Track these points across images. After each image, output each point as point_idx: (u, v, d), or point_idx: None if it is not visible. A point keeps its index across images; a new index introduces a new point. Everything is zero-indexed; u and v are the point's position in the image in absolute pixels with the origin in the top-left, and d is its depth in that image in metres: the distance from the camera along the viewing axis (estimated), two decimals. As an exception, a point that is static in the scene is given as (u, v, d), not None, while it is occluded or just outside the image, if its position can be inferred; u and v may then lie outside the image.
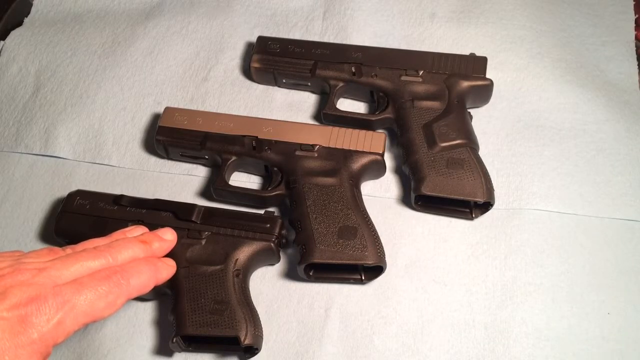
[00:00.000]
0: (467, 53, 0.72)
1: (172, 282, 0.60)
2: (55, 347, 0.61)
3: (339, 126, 0.68)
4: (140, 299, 0.63)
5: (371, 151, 0.66)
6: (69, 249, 0.52)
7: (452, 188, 0.63)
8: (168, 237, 0.59)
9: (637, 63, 0.75)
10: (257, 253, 0.61)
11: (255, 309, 0.59)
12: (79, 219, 0.64)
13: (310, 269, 0.61)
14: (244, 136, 0.68)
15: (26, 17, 0.85)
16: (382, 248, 0.61)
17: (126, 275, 0.50)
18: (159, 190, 0.70)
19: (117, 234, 0.57)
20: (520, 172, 0.68)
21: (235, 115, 0.70)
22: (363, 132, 0.67)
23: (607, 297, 0.61)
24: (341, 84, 0.72)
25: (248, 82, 0.77)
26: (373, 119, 0.70)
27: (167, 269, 0.57)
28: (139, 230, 0.59)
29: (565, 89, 0.73)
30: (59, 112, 0.76)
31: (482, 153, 0.67)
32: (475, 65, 0.70)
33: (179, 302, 0.58)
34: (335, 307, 0.62)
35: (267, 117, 0.70)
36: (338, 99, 0.72)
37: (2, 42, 0.82)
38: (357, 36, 0.78)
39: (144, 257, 0.55)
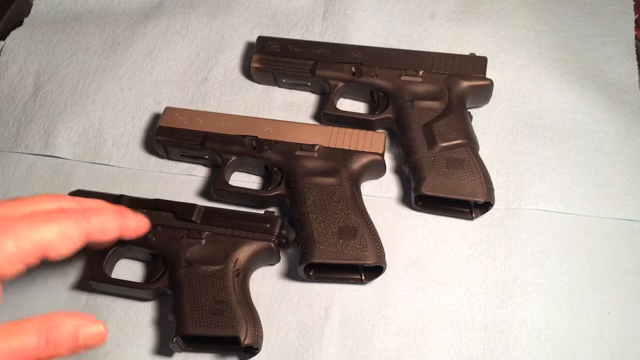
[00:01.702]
0: (467, 53, 0.72)
1: (172, 282, 0.60)
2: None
3: (339, 126, 0.68)
4: (141, 299, 0.63)
5: (371, 151, 0.66)
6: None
7: (452, 188, 0.63)
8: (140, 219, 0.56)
9: (637, 63, 0.75)
10: (257, 253, 0.61)
11: (255, 309, 0.59)
12: (79, 219, 0.64)
13: (310, 269, 0.61)
14: (244, 136, 0.68)
15: (26, 17, 0.85)
16: (382, 248, 0.61)
17: (87, 214, 0.46)
18: (159, 190, 0.70)
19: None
20: (520, 172, 0.68)
21: (235, 115, 0.70)
22: (363, 132, 0.67)
23: (607, 297, 0.61)
24: (341, 84, 0.72)
25: (248, 82, 0.77)
26: (373, 119, 0.70)
27: (137, 219, 0.53)
28: None
29: (565, 89, 0.73)
30: (59, 112, 0.76)
31: (482, 153, 0.67)
32: (475, 65, 0.70)
33: (179, 302, 0.58)
34: (335, 307, 0.62)
35: (267, 117, 0.70)
36: (338, 99, 0.72)
37: (2, 42, 0.82)
38: (357, 36, 0.78)
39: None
